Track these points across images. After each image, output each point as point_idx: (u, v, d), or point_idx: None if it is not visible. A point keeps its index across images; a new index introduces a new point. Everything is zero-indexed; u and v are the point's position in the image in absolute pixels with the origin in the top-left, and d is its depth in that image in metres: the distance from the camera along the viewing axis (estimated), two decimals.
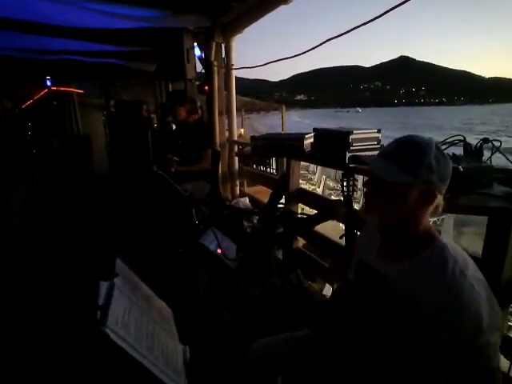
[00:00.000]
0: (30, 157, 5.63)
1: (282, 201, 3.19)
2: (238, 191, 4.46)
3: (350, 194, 2.14)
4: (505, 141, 1.72)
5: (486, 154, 1.54)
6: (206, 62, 4.06)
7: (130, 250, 2.70)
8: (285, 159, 3.46)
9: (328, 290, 2.96)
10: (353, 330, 1.25)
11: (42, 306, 2.23)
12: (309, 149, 2.59)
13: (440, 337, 0.89)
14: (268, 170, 9.04)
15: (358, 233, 1.99)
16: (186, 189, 2.88)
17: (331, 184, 13.17)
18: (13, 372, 1.75)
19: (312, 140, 2.53)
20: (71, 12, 3.06)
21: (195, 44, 4.02)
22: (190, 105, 3.50)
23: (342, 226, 4.64)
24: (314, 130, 2.49)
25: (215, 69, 4.02)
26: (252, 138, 2.94)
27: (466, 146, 1.61)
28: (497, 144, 1.52)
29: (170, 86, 6.32)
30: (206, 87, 4.06)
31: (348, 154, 2.13)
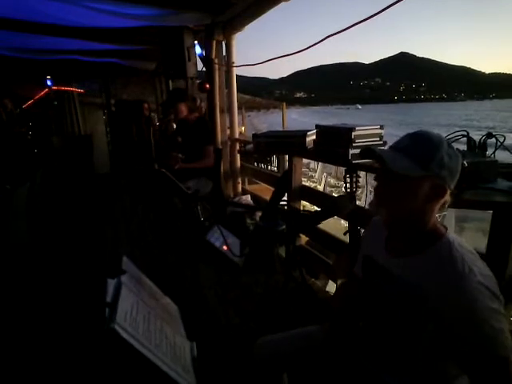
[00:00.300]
0: (31, 156, 5.64)
1: (285, 198, 3.19)
2: (239, 189, 4.46)
3: (354, 190, 2.15)
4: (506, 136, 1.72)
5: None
6: (206, 59, 4.05)
7: (134, 248, 2.71)
8: (287, 156, 3.46)
9: (331, 287, 2.96)
10: (358, 326, 1.25)
11: (51, 305, 2.24)
12: (311, 146, 2.59)
13: (451, 332, 0.89)
14: (269, 167, 9.04)
15: (362, 229, 2.00)
16: (189, 186, 2.88)
17: (332, 181, 13.14)
18: (24, 369, 1.76)
19: (314, 137, 2.53)
20: (71, 11, 3.05)
21: (196, 42, 4.00)
22: (190, 102, 3.49)
23: (343, 223, 4.67)
24: (317, 126, 2.49)
25: (216, 67, 4.01)
26: (254, 135, 2.94)
27: (470, 141, 1.61)
28: (501, 139, 1.52)
29: (171, 84, 6.33)
30: (207, 85, 4.05)
31: (351, 151, 2.13)
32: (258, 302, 2.51)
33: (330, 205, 1.19)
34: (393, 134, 2.26)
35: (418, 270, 0.96)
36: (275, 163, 8.43)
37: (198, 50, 4.04)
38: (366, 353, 1.17)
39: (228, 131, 4.35)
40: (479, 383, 0.89)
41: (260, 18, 3.42)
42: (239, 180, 4.46)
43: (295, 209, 2.86)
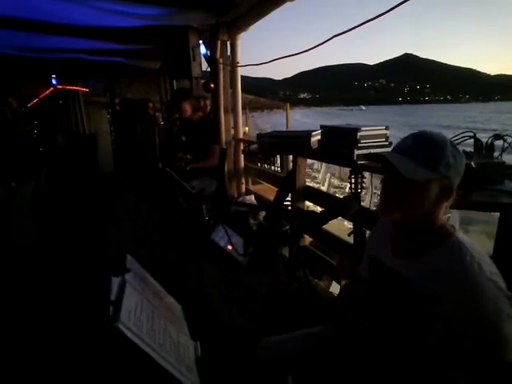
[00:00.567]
0: (36, 155, 5.67)
1: (288, 198, 3.18)
2: (243, 189, 4.46)
3: (358, 191, 2.13)
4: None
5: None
6: (211, 59, 4.05)
7: (139, 247, 2.71)
8: (291, 157, 3.45)
9: (335, 288, 2.95)
10: (364, 328, 1.24)
11: (55, 303, 2.24)
12: (316, 146, 2.58)
13: (461, 332, 0.88)
14: (273, 168, 9.03)
15: (367, 230, 1.98)
16: (193, 186, 2.88)
17: (336, 182, 13.09)
18: (27, 367, 1.76)
19: (319, 137, 2.51)
20: (76, 10, 3.06)
21: (200, 42, 4.01)
22: (194, 101, 3.49)
23: (347, 224, 4.65)
24: (322, 127, 2.48)
25: (220, 66, 4.01)
26: (258, 135, 2.93)
27: (477, 142, 1.60)
28: (508, 140, 1.51)
29: (175, 83, 6.33)
30: (212, 85, 4.05)
31: (356, 152, 2.11)
32: (261, 302, 2.50)
33: (336, 205, 1.18)
34: (396, 136, 2.25)
35: (427, 270, 0.95)
36: (278, 163, 8.43)
37: (202, 49, 4.05)
38: (373, 355, 1.16)
39: (232, 131, 4.35)
40: None
41: (265, 18, 3.43)
42: (243, 180, 4.46)
43: (300, 209, 2.85)
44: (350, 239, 2.09)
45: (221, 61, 4.01)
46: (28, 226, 2.96)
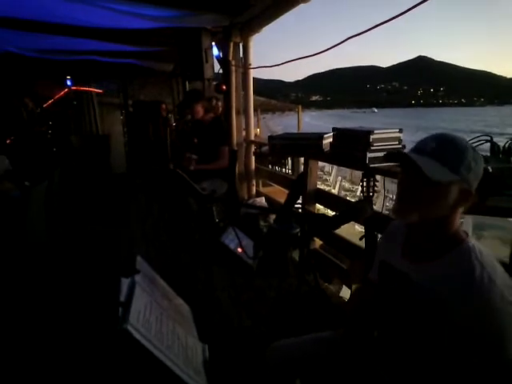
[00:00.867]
0: (50, 155, 5.76)
1: (299, 201, 3.17)
2: (254, 191, 4.45)
3: (371, 194, 2.11)
4: None
5: None
6: (223, 61, 4.06)
7: (149, 247, 2.72)
8: (302, 159, 3.43)
9: (345, 292, 2.92)
10: (373, 334, 1.23)
11: (65, 303, 2.26)
12: (327, 149, 2.56)
13: (467, 344, 0.86)
14: (284, 170, 9.02)
15: (379, 234, 1.96)
16: (204, 187, 2.89)
17: (347, 185, 13.02)
18: (36, 367, 1.77)
19: (331, 140, 2.50)
20: (90, 12, 3.09)
21: (213, 43, 4.02)
22: (206, 102, 3.50)
23: (358, 227, 4.60)
24: (334, 129, 2.46)
25: (233, 68, 4.02)
26: (270, 137, 2.93)
27: (494, 146, 1.57)
28: None
29: (188, 85, 6.37)
30: (224, 86, 4.06)
31: (369, 155, 2.09)
32: (270, 306, 2.49)
33: (348, 209, 1.16)
34: (406, 140, 2.22)
35: (438, 275, 0.94)
36: (290, 166, 8.41)
37: (215, 51, 4.06)
38: (382, 362, 1.14)
39: (244, 133, 4.36)
40: None
41: (278, 20, 3.42)
42: (254, 182, 4.45)
43: (311, 212, 2.83)
44: (362, 243, 2.06)
45: (233, 63, 4.01)
46: (41, 226, 2.99)
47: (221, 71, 4.22)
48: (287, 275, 2.82)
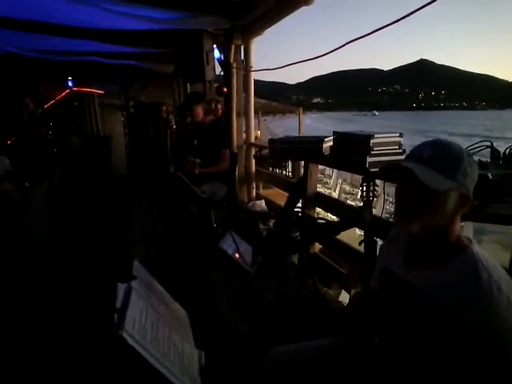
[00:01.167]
0: (51, 155, 5.76)
1: (299, 204, 3.16)
2: (254, 194, 4.44)
3: (370, 199, 2.10)
4: None
5: None
6: (225, 63, 4.06)
7: (148, 250, 2.71)
8: (302, 162, 3.43)
9: (344, 297, 2.91)
10: (373, 341, 1.22)
11: (61, 307, 2.25)
12: (328, 152, 2.55)
13: (471, 351, 0.86)
14: (284, 172, 9.01)
15: (378, 239, 1.95)
16: (204, 190, 2.88)
17: (347, 188, 13.00)
18: (31, 373, 1.76)
19: (331, 143, 2.49)
20: (90, 13, 3.09)
21: (214, 46, 4.02)
22: (206, 104, 3.50)
23: (358, 232, 4.59)
24: (334, 133, 2.45)
25: (234, 71, 4.02)
26: (270, 140, 2.92)
27: (494, 152, 1.56)
28: None
29: (189, 87, 6.38)
30: (225, 89, 4.06)
31: (369, 159, 2.08)
32: (269, 309, 2.48)
33: (348, 216, 1.16)
34: (405, 144, 2.22)
35: (441, 281, 0.93)
36: (290, 168, 8.40)
37: (216, 53, 4.06)
38: (382, 370, 1.13)
39: (244, 135, 4.35)
40: None
41: (279, 23, 3.42)
42: (254, 185, 4.45)
43: (312, 217, 2.82)
44: (361, 248, 2.05)
45: (234, 65, 4.01)
46: (41, 227, 2.98)
47: (222, 73, 4.23)
48: (286, 279, 2.81)
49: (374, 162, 2.10)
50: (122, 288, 0.99)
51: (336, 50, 2.45)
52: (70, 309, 2.21)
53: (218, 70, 4.29)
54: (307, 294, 2.45)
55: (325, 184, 13.06)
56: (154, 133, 6.19)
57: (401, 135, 2.20)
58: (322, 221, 2.51)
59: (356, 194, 11.48)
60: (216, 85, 4.38)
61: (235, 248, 2.55)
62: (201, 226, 2.64)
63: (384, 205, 2.77)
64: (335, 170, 12.39)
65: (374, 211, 2.53)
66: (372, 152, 2.09)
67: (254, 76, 4.11)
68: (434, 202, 0.93)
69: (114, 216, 4.44)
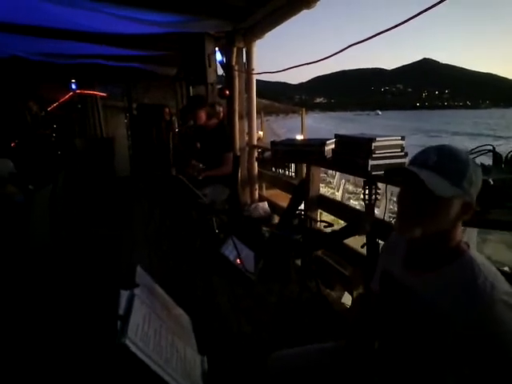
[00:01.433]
0: (54, 158, 5.79)
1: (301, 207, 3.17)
2: (256, 195, 4.45)
3: (372, 202, 2.10)
4: None
5: None
6: (226, 66, 4.08)
7: (150, 254, 2.72)
8: (305, 164, 3.43)
9: (347, 299, 2.91)
10: (373, 345, 1.22)
11: (64, 312, 2.26)
12: (330, 155, 2.56)
13: (470, 355, 0.86)
14: (287, 173, 9.01)
15: (380, 241, 1.95)
16: (206, 193, 2.89)
17: (350, 188, 12.99)
18: (32, 381, 1.77)
19: (333, 146, 2.49)
20: (94, 18, 3.12)
21: (216, 49, 4.04)
22: (209, 108, 3.51)
23: None
24: (336, 136, 2.45)
25: (236, 73, 4.03)
26: (272, 143, 2.93)
27: (496, 155, 1.56)
28: None
29: (191, 89, 6.40)
30: (227, 91, 4.08)
31: (371, 162, 2.08)
32: (271, 312, 2.48)
33: (349, 227, 1.16)
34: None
35: (438, 287, 0.94)
36: (293, 169, 8.40)
37: (218, 56, 4.08)
38: (381, 374, 1.14)
39: (246, 137, 4.36)
40: None
41: (282, 25, 3.43)
42: (256, 186, 4.46)
43: (313, 228, 2.81)
44: (364, 250, 2.06)
45: (236, 68, 4.03)
46: (45, 230, 3.00)
47: (223, 74, 4.24)
48: (289, 281, 2.82)
49: (375, 165, 2.10)
50: (124, 295, 1.00)
51: (337, 53, 2.46)
52: (73, 315, 2.21)
53: (220, 72, 4.31)
54: (310, 296, 2.45)
55: (328, 184, 13.05)
56: (156, 135, 6.21)
57: (403, 138, 2.20)
58: (325, 223, 2.52)
59: (359, 194, 11.46)
60: (219, 87, 4.40)
61: (236, 254, 2.55)
62: (202, 231, 2.65)
63: (387, 205, 2.77)
64: None
65: (377, 211, 2.53)
66: (374, 155, 2.10)
67: (256, 77, 4.12)
68: (438, 209, 0.92)
69: (116, 218, 4.46)
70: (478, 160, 1.56)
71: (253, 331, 2.27)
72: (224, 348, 1.99)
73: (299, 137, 13.59)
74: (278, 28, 3.54)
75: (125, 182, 6.62)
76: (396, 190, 1.10)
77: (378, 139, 2.11)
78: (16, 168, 3.61)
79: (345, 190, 12.16)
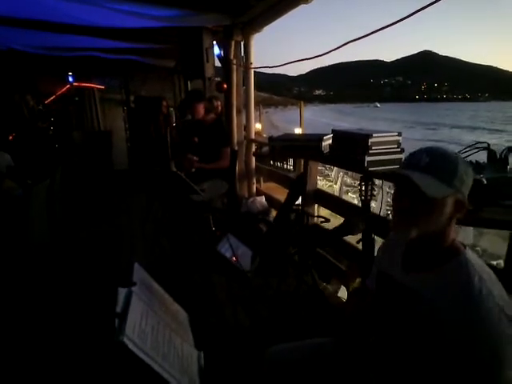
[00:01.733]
0: (52, 151, 5.78)
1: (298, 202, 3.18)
2: (254, 189, 4.46)
3: (368, 198, 2.11)
4: None
5: None
6: (224, 60, 4.06)
7: (148, 250, 2.73)
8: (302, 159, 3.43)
9: (343, 292, 2.94)
10: (368, 341, 1.24)
11: (62, 310, 2.27)
12: (327, 150, 2.56)
13: (458, 355, 0.88)
14: (285, 166, 9.04)
15: (375, 237, 1.97)
16: (203, 188, 2.90)
17: (348, 180, 13.00)
18: (31, 379, 1.78)
19: (330, 141, 2.50)
20: (92, 12, 3.10)
21: (214, 42, 4.01)
22: (207, 102, 3.50)
23: None
24: (333, 131, 2.46)
25: (234, 67, 4.01)
26: (270, 138, 2.93)
27: (491, 153, 1.56)
28: None
29: (189, 83, 6.37)
30: (225, 85, 4.06)
31: (367, 158, 2.09)
32: (268, 305, 2.51)
33: (343, 227, 1.18)
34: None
35: (434, 286, 0.96)
36: (291, 162, 8.42)
37: (216, 50, 4.05)
38: (377, 370, 1.16)
39: (244, 132, 4.36)
40: None
41: (279, 18, 3.41)
42: (254, 181, 4.46)
43: (311, 224, 2.82)
44: (360, 244, 2.08)
45: (234, 61, 4.00)
46: (43, 226, 3.00)
47: (221, 66, 4.22)
48: (286, 275, 2.84)
49: (372, 161, 2.11)
50: (122, 292, 1.02)
51: (336, 49, 2.43)
52: (71, 313, 2.22)
53: (218, 64, 4.29)
54: (307, 289, 2.48)
55: (326, 176, 13.06)
56: (154, 128, 6.19)
57: (399, 134, 2.20)
58: (322, 219, 2.54)
59: (357, 186, 11.44)
60: (217, 79, 4.37)
61: (232, 253, 2.57)
62: (199, 228, 2.66)
63: (383, 201, 2.79)
64: None
65: (374, 204, 2.54)
66: (370, 151, 2.10)
67: (253, 72, 4.10)
68: (432, 209, 0.95)
69: (114, 213, 4.46)
70: (475, 157, 1.58)
71: (250, 325, 2.29)
72: (221, 342, 2.01)
73: (298, 130, 13.56)
74: (277, 21, 3.52)
75: (123, 175, 6.61)
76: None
77: (374, 135, 2.10)
78: (14, 162, 3.61)
79: (343, 183, 12.18)
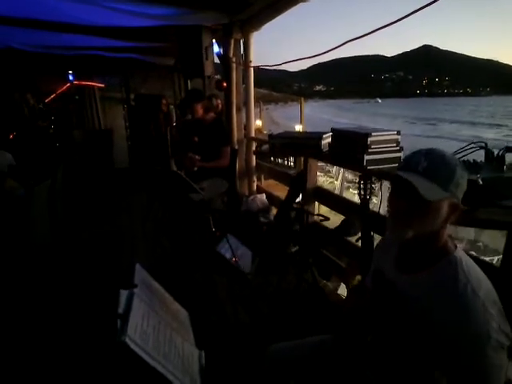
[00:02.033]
0: (53, 150, 5.79)
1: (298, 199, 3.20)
2: (254, 187, 4.48)
3: (368, 196, 2.12)
4: None
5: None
6: (224, 58, 4.05)
7: (148, 249, 2.74)
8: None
9: (343, 289, 2.96)
10: (366, 339, 1.26)
11: (64, 311, 2.29)
12: (326, 148, 2.58)
13: (447, 351, 0.91)
14: (286, 162, 9.04)
15: (374, 234, 1.99)
16: (203, 187, 2.91)
17: (349, 176, 13.00)
18: (32, 380, 1.80)
19: (330, 140, 2.51)
20: (91, 11, 3.10)
21: (213, 41, 4.01)
22: (207, 101, 3.50)
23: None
24: (332, 130, 2.47)
25: (233, 65, 4.01)
26: (270, 136, 2.94)
27: (488, 152, 1.57)
28: None
29: (189, 81, 6.36)
30: (225, 83, 4.06)
31: (366, 157, 2.10)
32: (269, 303, 2.53)
33: (339, 228, 1.19)
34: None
35: (424, 286, 0.99)
36: (292, 158, 8.42)
37: (215, 48, 4.05)
38: (373, 368, 1.18)
39: (244, 130, 4.37)
40: None
41: (279, 16, 3.41)
42: (254, 179, 4.48)
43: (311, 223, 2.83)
44: (359, 242, 2.09)
45: (234, 59, 4.01)
46: (45, 226, 3.01)
47: (221, 64, 4.22)
48: (286, 272, 2.86)
49: (371, 159, 2.12)
50: (124, 294, 1.04)
51: (335, 48, 2.45)
52: (73, 313, 2.24)
53: (217, 61, 4.28)
54: (306, 287, 2.50)
55: (327, 172, 13.05)
56: (154, 126, 6.19)
57: (398, 133, 2.21)
58: (321, 217, 2.55)
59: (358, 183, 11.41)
60: (217, 76, 4.37)
61: (232, 254, 2.58)
62: (199, 229, 2.66)
63: (382, 200, 2.80)
64: None
65: (375, 200, 2.55)
66: (369, 150, 2.11)
67: (253, 69, 4.10)
68: (427, 211, 0.96)
69: (116, 213, 4.48)
70: (472, 156, 1.59)
71: (250, 322, 2.31)
72: (222, 341, 2.03)
73: (298, 127, 13.53)
74: (276, 19, 3.52)
75: (124, 174, 6.62)
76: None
77: (373, 134, 2.12)
78: (15, 160, 3.62)
79: (344, 179, 12.17)
